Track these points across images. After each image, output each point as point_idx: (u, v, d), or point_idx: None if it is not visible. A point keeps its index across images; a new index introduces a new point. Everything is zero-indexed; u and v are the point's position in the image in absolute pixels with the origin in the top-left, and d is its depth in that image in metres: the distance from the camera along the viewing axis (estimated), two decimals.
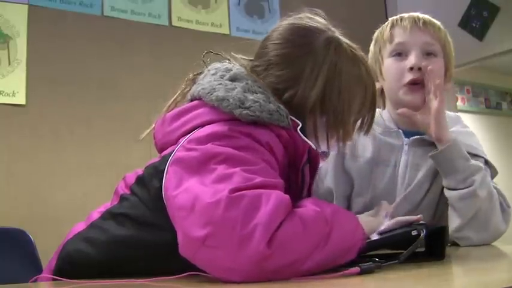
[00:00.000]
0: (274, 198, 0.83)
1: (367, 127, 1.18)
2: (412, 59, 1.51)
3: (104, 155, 2.98)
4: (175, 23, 3.38)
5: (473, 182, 1.37)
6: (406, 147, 1.54)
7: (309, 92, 1.06)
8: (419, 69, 1.49)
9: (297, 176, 1.07)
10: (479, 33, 4.21)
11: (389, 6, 4.33)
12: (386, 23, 1.62)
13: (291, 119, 1.02)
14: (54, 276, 1.03)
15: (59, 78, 2.95)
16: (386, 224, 1.09)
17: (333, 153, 1.54)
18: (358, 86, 1.11)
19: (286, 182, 0.99)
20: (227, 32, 3.56)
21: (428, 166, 1.50)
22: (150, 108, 1.18)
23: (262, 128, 0.99)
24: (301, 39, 1.11)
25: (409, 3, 4.28)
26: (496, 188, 1.44)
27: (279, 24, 1.17)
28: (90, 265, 1.02)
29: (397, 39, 1.55)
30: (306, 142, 1.03)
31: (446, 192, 1.42)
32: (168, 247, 0.87)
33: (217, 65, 1.13)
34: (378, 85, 1.58)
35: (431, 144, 1.49)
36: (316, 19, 1.16)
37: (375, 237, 1.05)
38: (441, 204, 1.48)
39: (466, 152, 1.41)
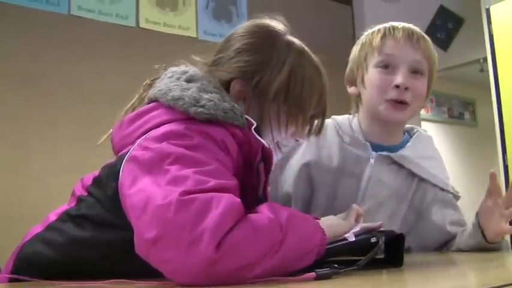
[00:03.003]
0: (224, 202, 0.83)
1: (318, 129, 1.22)
2: (399, 77, 1.48)
3: (69, 158, 2.94)
4: (142, 24, 3.35)
5: None
6: (372, 161, 1.53)
7: (275, 77, 1.11)
8: (406, 88, 1.48)
9: (251, 174, 1.08)
10: (444, 43, 4.29)
11: (357, 16, 4.38)
12: (375, 29, 1.57)
13: (246, 118, 1.05)
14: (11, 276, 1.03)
15: (24, 76, 2.90)
16: (355, 229, 1.11)
17: (298, 162, 1.55)
18: (317, 82, 1.17)
19: (241, 181, 0.99)
20: (194, 35, 3.55)
21: (393, 185, 1.52)
22: (116, 110, 1.18)
23: (217, 126, 1.00)
24: (265, 34, 1.17)
25: (376, 12, 4.34)
26: None
27: (241, 24, 1.21)
28: (49, 266, 1.01)
29: (387, 51, 1.52)
30: (260, 141, 1.05)
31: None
32: (127, 246, 0.86)
33: (174, 68, 1.15)
34: (355, 90, 1.60)
35: (396, 163, 1.53)
36: (278, 22, 1.21)
37: (351, 238, 1.06)
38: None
39: None
